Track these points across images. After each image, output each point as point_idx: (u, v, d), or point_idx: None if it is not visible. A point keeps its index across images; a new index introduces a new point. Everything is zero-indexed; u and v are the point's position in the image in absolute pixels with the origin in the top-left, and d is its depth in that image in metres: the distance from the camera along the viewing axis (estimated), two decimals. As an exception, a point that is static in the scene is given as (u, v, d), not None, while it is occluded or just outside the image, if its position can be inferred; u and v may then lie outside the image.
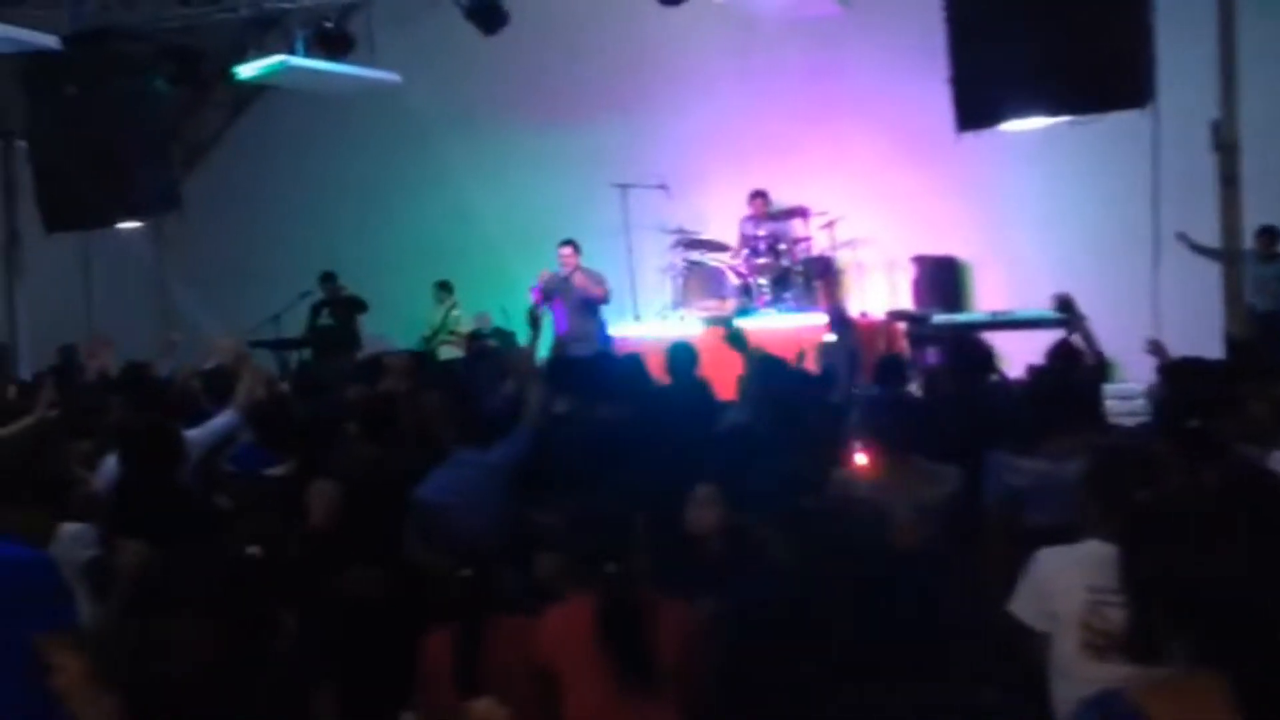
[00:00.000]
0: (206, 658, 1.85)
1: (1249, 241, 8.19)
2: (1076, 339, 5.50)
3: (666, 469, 3.58)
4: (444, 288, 12.15)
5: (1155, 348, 5.76)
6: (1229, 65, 5.86)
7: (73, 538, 4.16)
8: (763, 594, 2.62)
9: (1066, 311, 5.73)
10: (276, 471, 4.07)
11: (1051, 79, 6.03)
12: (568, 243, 10.15)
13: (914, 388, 5.94)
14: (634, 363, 4.92)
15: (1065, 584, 2.65)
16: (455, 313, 12.08)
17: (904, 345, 10.21)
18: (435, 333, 12.11)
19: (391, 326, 12.47)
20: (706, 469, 3.38)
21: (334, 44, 8.90)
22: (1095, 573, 2.57)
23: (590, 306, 9.96)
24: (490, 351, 10.81)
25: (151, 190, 8.68)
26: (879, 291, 11.50)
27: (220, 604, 1.88)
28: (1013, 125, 6.42)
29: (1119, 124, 6.29)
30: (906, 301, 11.12)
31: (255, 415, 4.70)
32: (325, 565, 3.58)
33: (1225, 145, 5.84)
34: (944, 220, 11.00)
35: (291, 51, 9.03)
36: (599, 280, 10.00)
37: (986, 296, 10.95)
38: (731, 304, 10.81)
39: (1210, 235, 7.48)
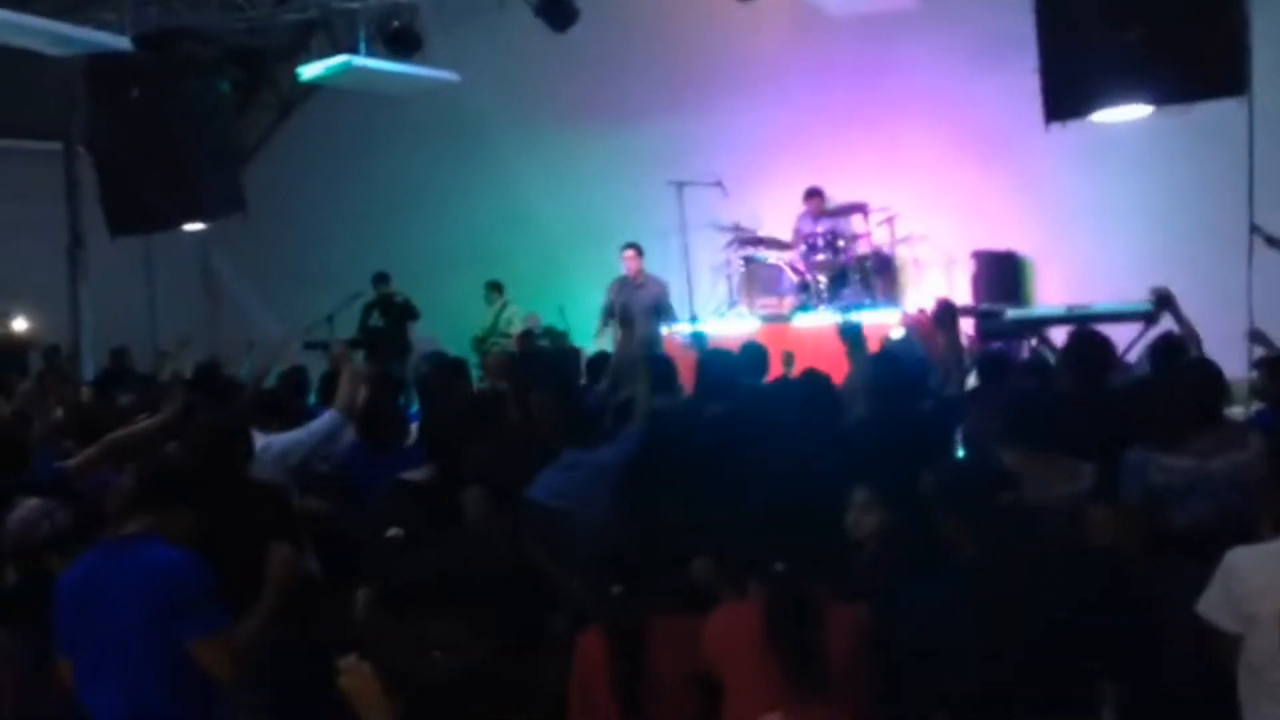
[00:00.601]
0: (480, 654, 1.81)
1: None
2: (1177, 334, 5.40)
3: (799, 466, 3.50)
4: (495, 288, 12.11)
5: (1258, 337, 5.64)
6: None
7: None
8: (950, 593, 2.54)
9: (1166, 306, 5.62)
10: (417, 476, 4.00)
11: (1144, 68, 5.92)
12: (630, 246, 10.09)
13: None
14: (734, 359, 4.83)
15: (1262, 583, 2.56)
16: (507, 313, 12.03)
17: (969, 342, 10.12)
18: (487, 334, 12.07)
19: (444, 328, 12.44)
20: (849, 468, 3.31)
21: (401, 43, 8.86)
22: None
23: (657, 310, 9.92)
24: (541, 352, 10.77)
25: (216, 192, 8.66)
26: (937, 288, 11.43)
27: (487, 600, 1.83)
28: (1104, 115, 6.30)
29: (1204, 116, 6.18)
30: (965, 298, 11.04)
31: (367, 417, 4.66)
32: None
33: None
34: (1003, 216, 10.89)
35: (353, 51, 9.00)
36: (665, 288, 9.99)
37: (1047, 292, 10.83)
38: (790, 301, 10.73)
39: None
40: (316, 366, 9.06)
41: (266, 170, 12.78)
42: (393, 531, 3.20)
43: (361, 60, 8.94)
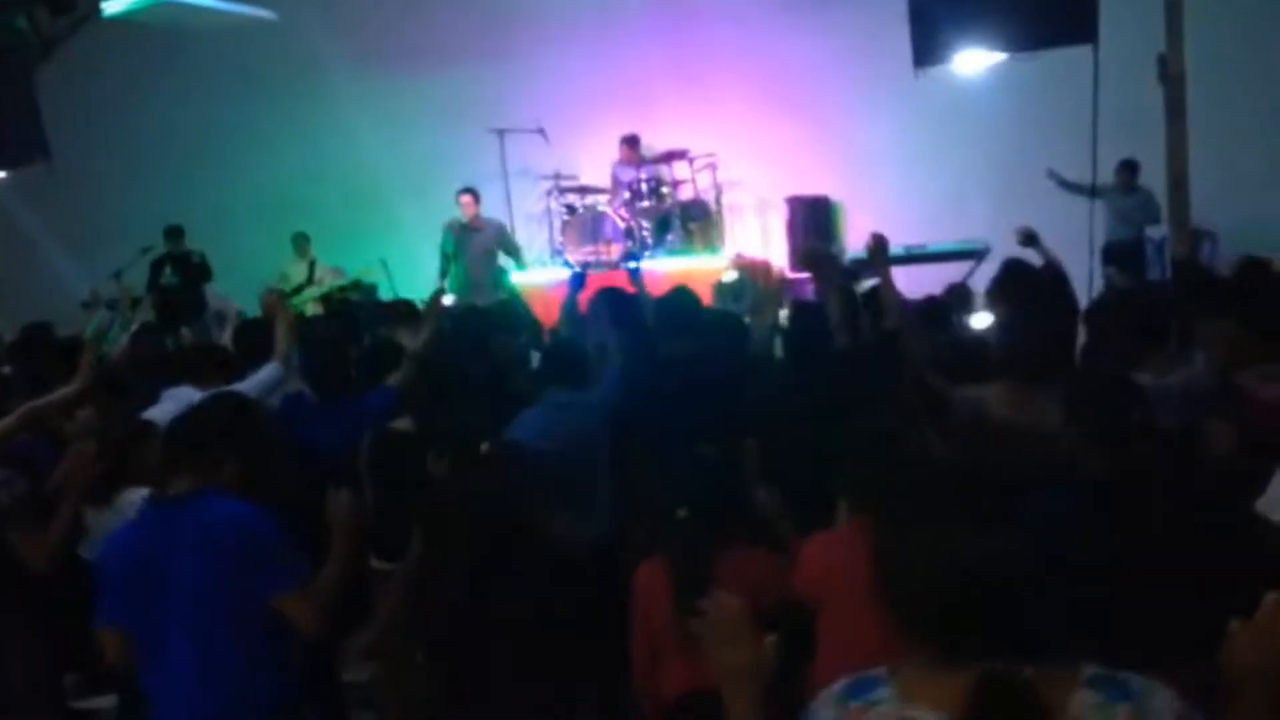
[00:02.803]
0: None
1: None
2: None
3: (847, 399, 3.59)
4: (303, 239, 11.53)
5: (1030, 238, 5.88)
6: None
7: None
8: (1072, 508, 2.63)
9: (1032, 243, 6.04)
10: (403, 425, 3.85)
11: (1001, 17, 6.34)
12: (468, 190, 9.90)
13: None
14: (693, 296, 4.87)
15: None
16: (317, 270, 11.49)
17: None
18: (299, 287, 11.50)
19: (244, 282, 11.75)
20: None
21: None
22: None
23: (491, 256, 9.79)
24: (351, 306, 10.42)
25: (17, 138, 7.87)
26: (753, 233, 11.83)
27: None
28: (964, 62, 6.71)
29: (1057, 61, 6.70)
30: (780, 243, 11.50)
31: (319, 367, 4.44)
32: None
33: (1173, 77, 6.30)
34: (814, 163, 11.34)
35: (162, -18, 8.34)
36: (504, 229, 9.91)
37: (857, 237, 11.40)
38: (616, 249, 10.83)
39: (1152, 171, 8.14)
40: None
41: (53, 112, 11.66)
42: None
43: (170, -8, 8.28)
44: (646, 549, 3.25)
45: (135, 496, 3.50)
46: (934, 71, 6.88)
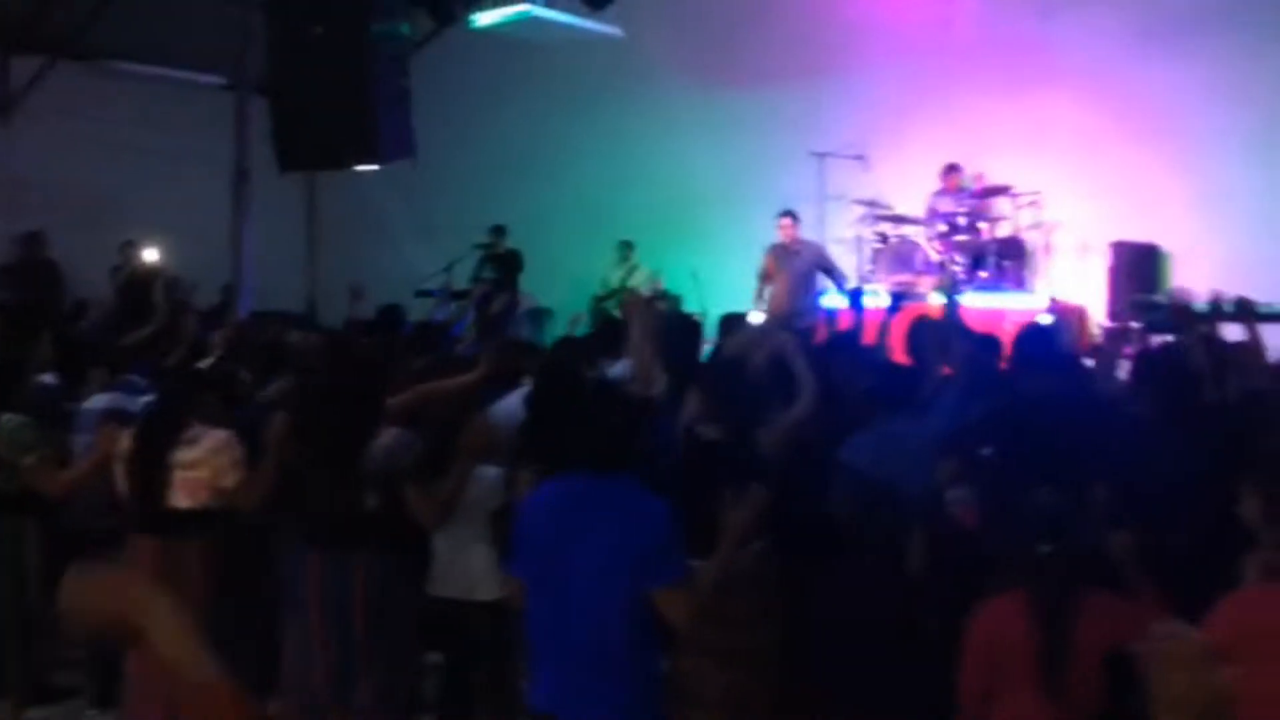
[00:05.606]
0: None
1: None
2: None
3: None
4: (626, 247, 12.08)
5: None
6: None
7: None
8: None
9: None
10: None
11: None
12: (787, 213, 10.07)
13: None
14: (1047, 331, 4.81)
15: None
16: (636, 275, 11.99)
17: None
18: (612, 292, 12.02)
19: (565, 284, 12.35)
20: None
21: (594, -3, 8.76)
22: None
23: (810, 277, 9.91)
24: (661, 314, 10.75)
25: (389, 135, 8.64)
26: (1069, 276, 11.35)
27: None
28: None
29: None
30: (1099, 288, 10.97)
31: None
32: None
33: None
34: (1149, 206, 10.76)
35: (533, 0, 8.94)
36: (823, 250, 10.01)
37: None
38: (927, 281, 10.68)
39: None
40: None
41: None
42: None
43: (541, 10, 8.88)
44: (999, 584, 3.24)
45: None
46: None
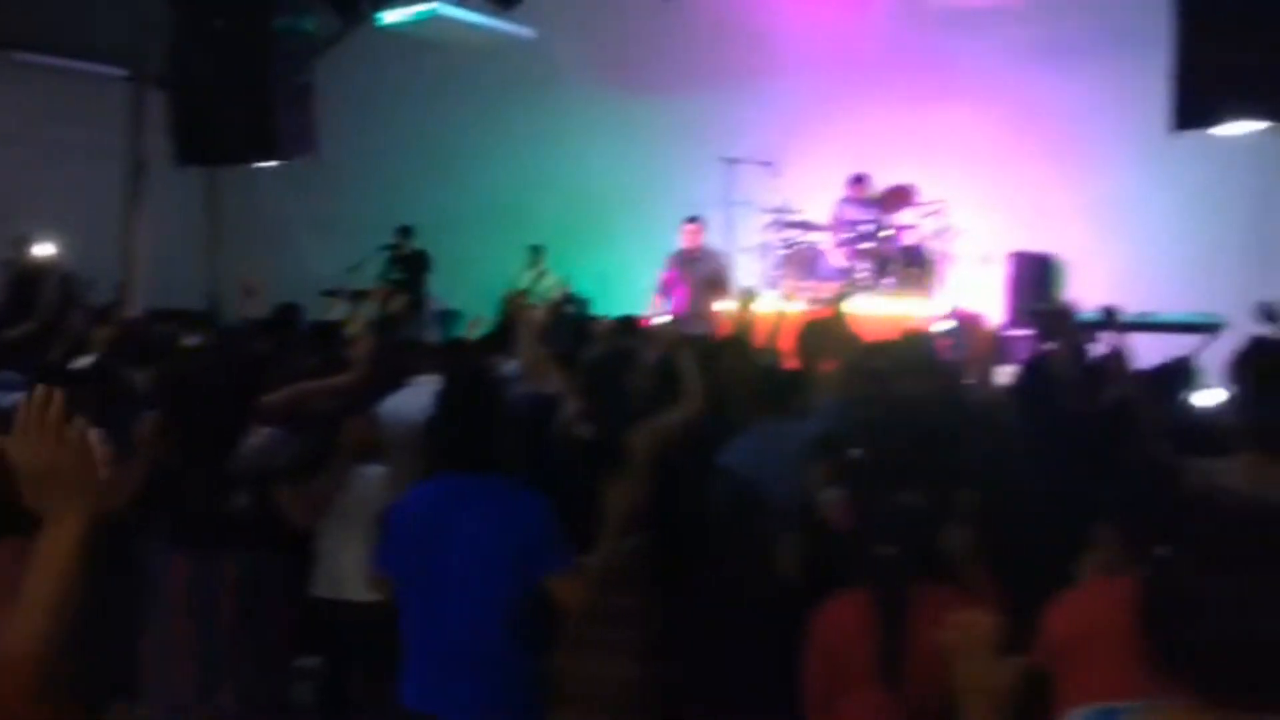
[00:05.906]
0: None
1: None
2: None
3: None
4: (536, 251, 12.06)
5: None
6: None
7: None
8: None
9: (1273, 321, 5.77)
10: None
11: (1276, 85, 6.09)
12: (693, 219, 10.13)
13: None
14: (914, 343, 4.90)
15: None
16: (546, 279, 11.98)
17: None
18: (521, 295, 11.98)
19: (471, 287, 12.31)
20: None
21: (504, -5, 8.71)
22: None
23: (710, 286, 9.97)
24: (568, 318, 10.76)
25: (291, 131, 8.53)
26: (968, 284, 11.59)
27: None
28: (1228, 129, 6.48)
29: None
30: (996, 297, 11.22)
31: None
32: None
33: None
34: (1045, 217, 11.05)
35: (442, -1, 8.88)
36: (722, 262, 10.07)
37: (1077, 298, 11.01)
38: (832, 287, 10.82)
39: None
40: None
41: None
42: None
43: (449, 9, 8.82)
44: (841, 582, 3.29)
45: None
46: (1192, 133, 6.65)
